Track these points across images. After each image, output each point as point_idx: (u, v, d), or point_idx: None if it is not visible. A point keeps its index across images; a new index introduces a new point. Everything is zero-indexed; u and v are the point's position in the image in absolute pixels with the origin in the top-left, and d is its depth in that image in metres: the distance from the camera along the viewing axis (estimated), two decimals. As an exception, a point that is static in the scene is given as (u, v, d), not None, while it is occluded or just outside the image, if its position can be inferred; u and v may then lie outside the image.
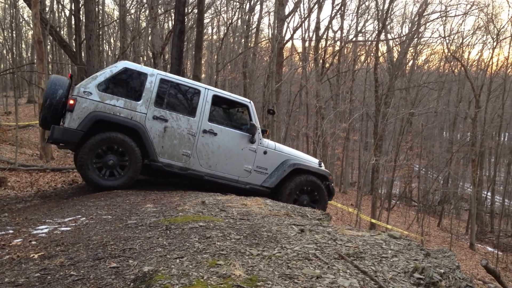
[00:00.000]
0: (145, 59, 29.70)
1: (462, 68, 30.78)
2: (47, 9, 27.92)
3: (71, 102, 6.78)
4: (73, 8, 22.80)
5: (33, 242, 4.05)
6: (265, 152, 7.96)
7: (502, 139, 41.00)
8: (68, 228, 4.56)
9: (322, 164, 8.66)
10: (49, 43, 27.16)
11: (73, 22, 23.94)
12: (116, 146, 6.95)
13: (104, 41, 34.38)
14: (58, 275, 3.06)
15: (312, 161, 8.53)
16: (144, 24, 27.07)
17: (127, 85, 7.20)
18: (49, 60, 28.86)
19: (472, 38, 40.15)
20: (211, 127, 7.57)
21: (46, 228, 4.64)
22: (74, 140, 6.80)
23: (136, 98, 7.13)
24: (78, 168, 7.00)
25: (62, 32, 34.16)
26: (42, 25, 15.56)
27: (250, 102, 7.97)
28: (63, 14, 36.18)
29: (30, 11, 17.03)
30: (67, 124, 6.77)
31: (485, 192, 34.24)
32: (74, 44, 21.93)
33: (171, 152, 7.34)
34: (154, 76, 7.28)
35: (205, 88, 7.67)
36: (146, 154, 7.19)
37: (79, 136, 6.78)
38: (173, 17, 22.17)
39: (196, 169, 7.51)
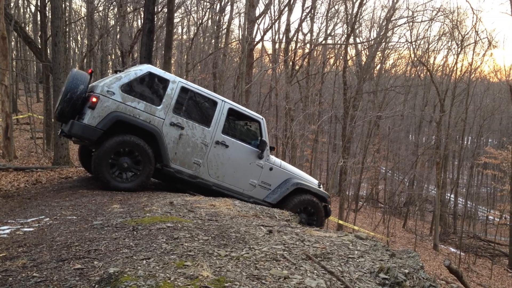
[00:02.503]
0: (113, 57, 29.25)
1: (428, 72, 31.52)
2: (12, 4, 27.16)
3: (94, 99, 6.77)
4: (39, 4, 22.28)
5: (-6, 243, 3.93)
6: (271, 169, 8.16)
7: (465, 142, 42.16)
8: (31, 229, 4.45)
9: (322, 186, 8.93)
10: (13, 39, 26.46)
11: (38, 18, 23.41)
12: (131, 149, 6.99)
13: (71, 38, 33.70)
14: (20, 276, 2.98)
15: (312, 182, 8.78)
16: (112, 22, 26.63)
17: (149, 89, 7.24)
18: (13, 56, 28.12)
19: (437, 44, 41.20)
20: (223, 139, 7.70)
21: (8, 228, 4.52)
22: (93, 138, 6.81)
23: (157, 103, 7.20)
24: (93, 168, 6.99)
25: (27, 28, 33.37)
26: (6, 20, 15.14)
27: (262, 119, 8.12)
28: (28, 10, 35.39)
29: (-6, 6, 16.53)
30: (87, 121, 6.75)
31: (449, 194, 35.11)
32: (39, 40, 21.42)
33: (183, 159, 7.42)
34: (175, 83, 7.37)
35: (222, 101, 7.79)
36: (159, 158, 7.26)
37: (98, 135, 6.80)
38: (142, 16, 21.94)
39: (205, 178, 7.63)
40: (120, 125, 6.93)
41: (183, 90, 7.41)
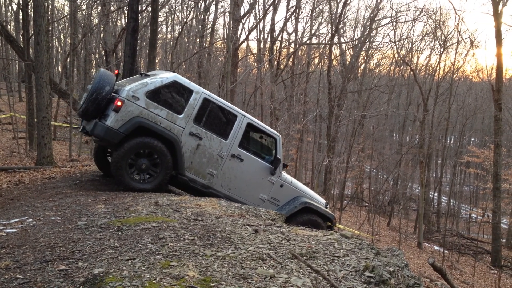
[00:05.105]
0: (97, 56, 28.98)
1: (411, 72, 31.77)
2: (-7, 2, 26.78)
3: (119, 103, 6.87)
4: (21, 2, 21.97)
5: (-24, 245, 3.87)
6: (281, 186, 8.27)
7: (448, 141, 42.66)
8: (14, 230, 4.40)
9: (328, 205, 9.04)
10: (-6, 38, 26.03)
11: (21, 16, 23.06)
12: (150, 151, 7.10)
13: (54, 37, 33.31)
14: (3, 278, 2.95)
15: (320, 201, 8.87)
16: (96, 21, 26.39)
17: (172, 97, 7.35)
18: (-5, 55, 27.71)
19: (420, 44, 41.18)
20: (239, 153, 7.82)
21: (-10, 230, 4.45)
22: (114, 141, 6.92)
23: (178, 112, 7.30)
24: (112, 168, 7.05)
25: (9, 27, 32.89)
26: (-13, 18, 14.93)
27: (279, 136, 8.24)
28: (10, 8, 34.89)
29: (-25, 4, 16.28)
30: (110, 123, 6.85)
31: (432, 193, 35.48)
32: (21, 39, 21.12)
33: (198, 169, 7.55)
34: (199, 94, 7.48)
35: (242, 115, 7.90)
36: (175, 166, 7.36)
37: (119, 138, 6.90)
38: (126, 15, 21.74)
39: (216, 189, 7.75)
40: (141, 130, 7.05)
41: (206, 101, 7.51)
